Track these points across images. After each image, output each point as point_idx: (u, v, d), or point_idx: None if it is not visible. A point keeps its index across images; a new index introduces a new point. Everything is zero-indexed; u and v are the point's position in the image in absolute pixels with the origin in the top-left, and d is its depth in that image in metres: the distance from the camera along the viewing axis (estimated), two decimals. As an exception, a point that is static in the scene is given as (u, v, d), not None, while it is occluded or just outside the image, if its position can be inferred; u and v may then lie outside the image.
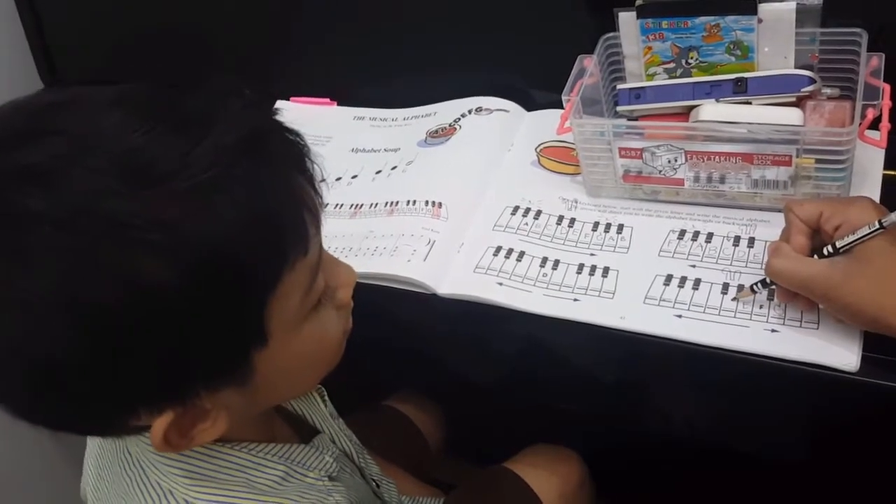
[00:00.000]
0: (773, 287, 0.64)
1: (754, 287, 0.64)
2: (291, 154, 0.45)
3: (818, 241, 0.62)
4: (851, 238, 0.57)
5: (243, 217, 0.41)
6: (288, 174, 0.44)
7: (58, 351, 0.39)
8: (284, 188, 0.44)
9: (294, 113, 0.99)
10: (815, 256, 0.60)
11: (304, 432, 0.61)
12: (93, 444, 0.59)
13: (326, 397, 0.66)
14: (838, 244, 0.58)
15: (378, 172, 0.89)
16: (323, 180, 0.47)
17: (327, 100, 1.01)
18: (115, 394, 0.42)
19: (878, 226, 0.56)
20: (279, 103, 1.02)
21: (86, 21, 1.13)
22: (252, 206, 0.41)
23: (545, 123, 0.86)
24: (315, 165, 0.47)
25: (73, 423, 0.46)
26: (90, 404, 0.43)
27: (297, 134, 0.46)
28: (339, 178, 0.90)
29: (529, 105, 0.91)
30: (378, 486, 0.68)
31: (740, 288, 0.66)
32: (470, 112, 0.91)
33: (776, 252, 0.61)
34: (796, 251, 0.61)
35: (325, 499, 0.54)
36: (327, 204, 0.85)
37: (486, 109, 0.90)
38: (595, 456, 0.90)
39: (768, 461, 0.75)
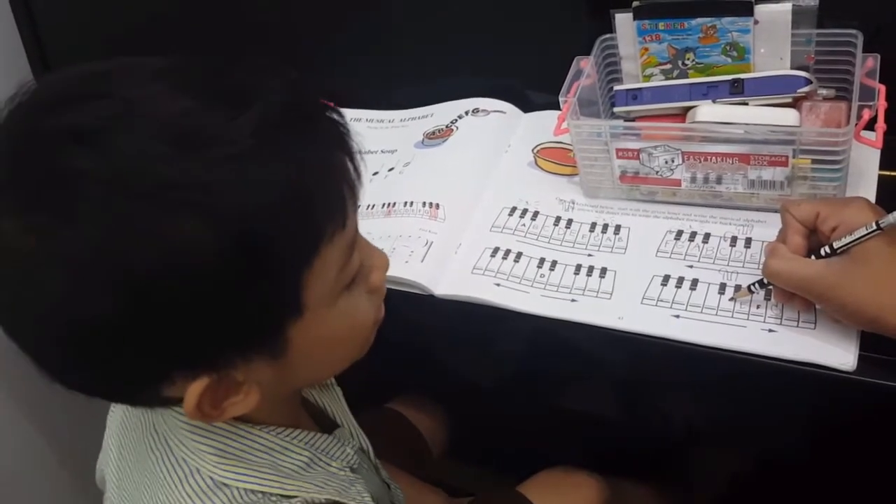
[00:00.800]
0: (770, 287, 0.64)
1: (751, 287, 0.65)
2: (331, 129, 0.46)
3: (815, 241, 0.62)
4: (849, 239, 0.58)
5: (284, 186, 0.41)
6: (328, 148, 0.45)
7: (98, 311, 0.39)
8: (325, 161, 0.44)
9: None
10: (813, 257, 0.60)
11: (325, 425, 0.61)
12: (114, 424, 0.59)
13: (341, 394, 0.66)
14: (835, 245, 0.58)
15: (375, 174, 0.89)
16: (362, 153, 0.48)
17: (324, 101, 1.01)
18: (151, 357, 0.42)
19: (875, 227, 0.56)
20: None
21: (80, 20, 1.13)
22: (292, 176, 0.42)
23: (542, 125, 0.86)
24: (356, 143, 0.47)
25: (107, 387, 0.46)
26: (126, 368, 0.43)
27: (338, 112, 0.47)
28: (336, 180, 0.90)
29: (526, 106, 0.91)
30: (390, 488, 0.68)
31: (737, 288, 0.66)
32: (467, 113, 0.91)
33: (773, 253, 0.62)
34: (793, 252, 0.61)
35: (347, 488, 0.54)
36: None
37: (483, 111, 0.90)
38: (592, 454, 0.90)
39: (766, 461, 0.75)
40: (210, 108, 0.41)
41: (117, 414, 0.59)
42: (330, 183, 0.44)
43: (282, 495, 0.50)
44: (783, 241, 0.62)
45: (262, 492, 0.50)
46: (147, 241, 0.39)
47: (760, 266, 0.64)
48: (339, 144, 0.46)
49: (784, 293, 0.62)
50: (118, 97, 0.40)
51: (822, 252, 0.60)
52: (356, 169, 0.47)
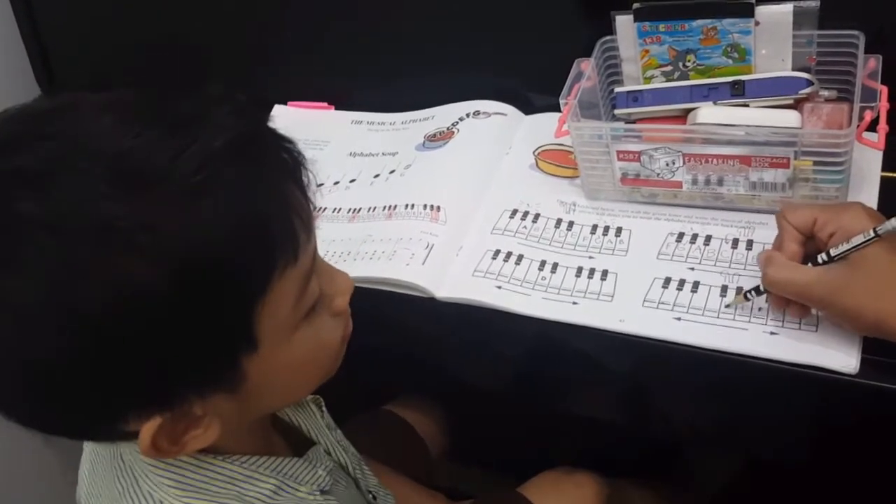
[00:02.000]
0: (766, 293, 0.64)
1: (748, 294, 0.64)
2: (281, 160, 0.45)
3: (811, 246, 0.61)
4: (847, 247, 0.57)
5: (231, 221, 0.41)
6: (277, 180, 0.44)
7: (48, 355, 0.39)
8: (274, 193, 0.43)
9: (292, 117, 1.01)
10: (810, 264, 0.60)
11: (300, 443, 0.60)
12: (87, 450, 0.59)
13: (324, 407, 0.66)
14: (833, 252, 0.58)
15: (376, 176, 0.89)
16: (320, 185, 0.47)
17: (325, 104, 1.01)
18: (103, 398, 0.42)
19: (872, 234, 0.56)
20: (277, 108, 1.02)
21: (83, 27, 1.13)
22: (240, 211, 0.41)
23: (543, 127, 0.86)
24: (308, 172, 0.46)
25: (65, 427, 0.46)
26: (80, 408, 0.43)
27: (289, 141, 0.46)
28: (336, 182, 0.90)
29: (527, 109, 0.91)
30: (375, 497, 0.68)
31: (738, 291, 0.66)
32: (468, 116, 0.91)
33: (770, 262, 0.61)
34: (789, 259, 0.61)
35: None
36: (325, 208, 0.86)
37: (484, 113, 0.90)
38: (593, 456, 0.90)
39: (767, 464, 0.74)
40: (155, 144, 0.40)
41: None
42: (279, 217, 0.43)
43: None
44: (779, 248, 0.62)
45: None
46: (92, 284, 0.38)
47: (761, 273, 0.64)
48: (290, 175, 0.45)
49: (780, 300, 0.62)
50: (60, 137, 0.40)
51: (820, 259, 0.59)
52: (308, 199, 0.46)
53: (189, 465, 0.50)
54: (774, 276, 0.60)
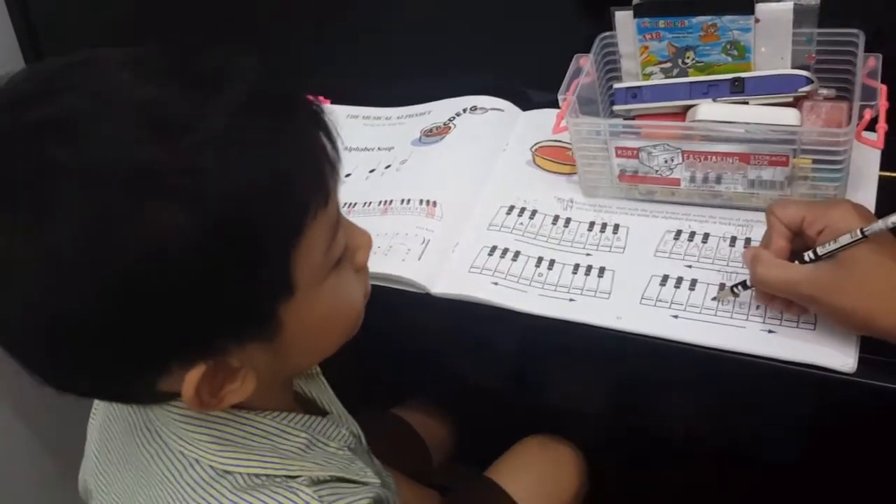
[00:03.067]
0: (752, 288, 0.63)
1: (734, 289, 0.64)
2: (307, 108, 0.46)
3: (799, 243, 0.61)
4: (833, 246, 0.57)
5: (264, 167, 0.41)
6: (305, 126, 0.45)
7: (83, 306, 0.39)
8: (303, 140, 0.44)
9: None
10: (797, 262, 0.60)
11: (315, 412, 0.61)
12: (93, 428, 0.58)
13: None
14: (820, 251, 0.58)
15: (372, 171, 0.88)
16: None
17: (321, 98, 1.00)
18: (144, 348, 0.42)
19: (860, 235, 0.56)
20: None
21: (73, 4, 1.12)
22: (272, 157, 0.42)
23: (540, 123, 0.86)
24: (331, 121, 0.47)
25: (99, 385, 0.46)
26: (120, 363, 0.42)
27: (309, 91, 0.47)
28: (332, 177, 0.89)
29: (524, 104, 0.90)
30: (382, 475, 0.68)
31: (721, 287, 0.66)
32: (465, 111, 0.90)
33: (757, 260, 0.61)
34: (776, 255, 0.61)
35: (349, 465, 0.55)
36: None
37: (481, 108, 0.90)
38: (594, 454, 0.90)
39: (765, 462, 0.74)
40: (182, 93, 0.40)
41: (97, 420, 0.59)
42: (309, 161, 0.44)
43: (286, 476, 0.50)
44: (767, 244, 0.62)
45: (266, 475, 0.50)
46: (128, 231, 0.38)
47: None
48: (316, 122, 0.46)
49: (766, 295, 0.62)
50: (87, 88, 0.40)
51: (807, 257, 0.59)
52: (334, 146, 0.47)
53: (224, 421, 0.50)
54: (763, 274, 0.60)
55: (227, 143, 0.40)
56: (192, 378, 0.43)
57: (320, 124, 0.46)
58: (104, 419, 0.57)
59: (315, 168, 0.44)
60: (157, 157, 0.38)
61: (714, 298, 0.66)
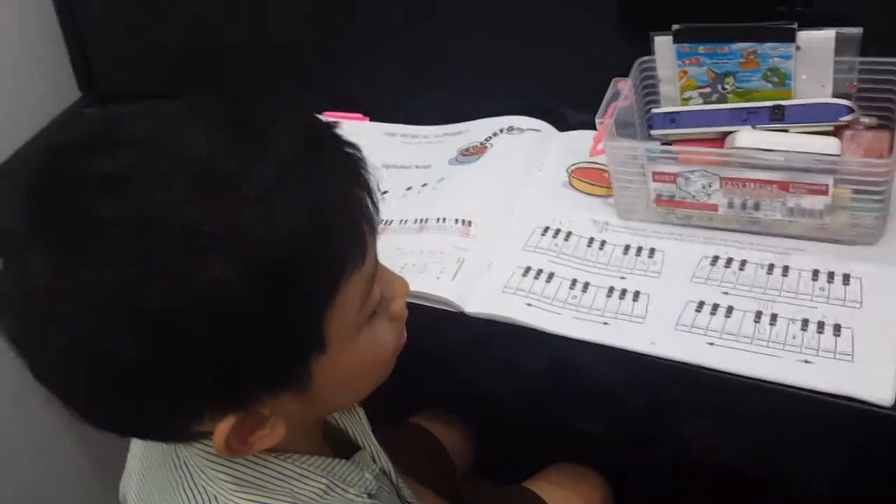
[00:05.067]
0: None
1: None
2: (348, 164, 0.47)
3: None
4: None
5: (305, 225, 0.42)
6: (346, 183, 0.46)
7: (121, 350, 0.40)
8: (343, 197, 0.45)
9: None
10: None
11: (345, 446, 0.61)
12: (137, 445, 0.60)
13: (364, 414, 0.66)
14: None
15: (409, 189, 0.89)
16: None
17: (359, 115, 1.02)
18: (179, 396, 0.43)
19: None
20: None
21: (125, 32, 1.15)
22: (313, 214, 0.42)
23: (577, 144, 0.86)
24: (371, 177, 0.48)
25: (136, 426, 0.47)
26: (153, 408, 0.44)
27: (353, 146, 0.48)
28: (369, 194, 0.90)
29: (561, 125, 0.91)
30: None
31: (773, 318, 0.65)
32: (502, 131, 0.91)
33: None
34: None
35: None
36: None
37: (518, 129, 0.90)
38: (620, 478, 0.90)
39: (798, 494, 0.73)
40: (233, 149, 0.42)
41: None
42: (349, 219, 0.45)
43: None
44: None
45: None
46: (173, 284, 0.40)
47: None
48: (357, 179, 0.47)
49: None
50: (144, 143, 0.42)
51: None
52: (374, 203, 0.47)
53: (245, 462, 0.51)
54: None
55: (271, 201, 0.41)
56: (224, 428, 0.45)
57: (361, 181, 0.47)
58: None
59: (354, 227, 0.45)
60: (203, 215, 0.40)
61: None
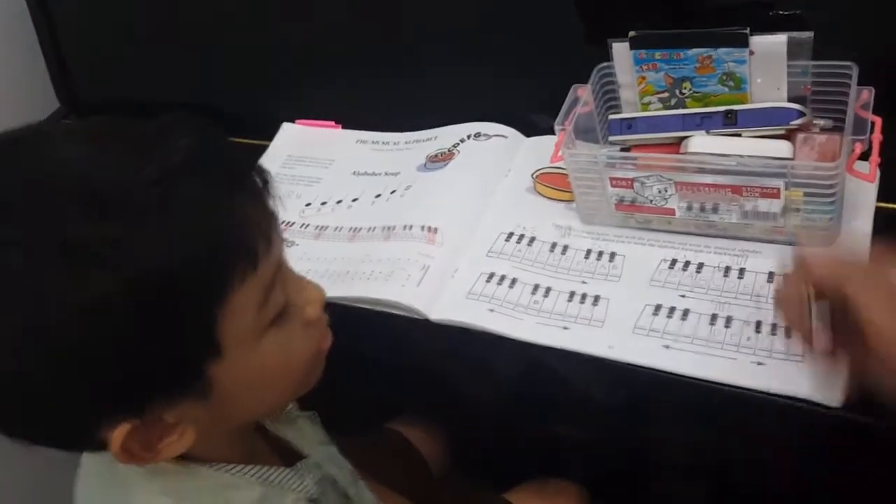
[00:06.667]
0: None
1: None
2: (237, 174, 0.48)
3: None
4: None
5: (186, 234, 0.43)
6: (233, 193, 0.46)
7: (14, 365, 0.42)
8: (228, 206, 0.46)
9: (299, 135, 1.02)
10: None
11: (292, 457, 0.62)
12: (83, 457, 0.60)
13: (318, 423, 0.67)
14: None
15: (378, 196, 0.90)
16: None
17: (331, 122, 1.02)
18: (69, 406, 0.44)
19: None
20: (285, 125, 1.04)
21: (104, 42, 1.16)
22: (195, 224, 0.44)
23: (542, 150, 0.86)
24: (268, 185, 0.49)
25: (46, 435, 0.48)
26: (55, 416, 0.45)
27: (247, 156, 0.49)
28: (339, 201, 0.91)
29: (529, 131, 0.92)
30: None
31: (728, 320, 0.66)
32: (469, 137, 0.92)
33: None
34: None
35: None
36: (327, 227, 0.88)
37: (485, 135, 0.91)
38: (591, 479, 0.91)
39: (751, 492, 0.74)
40: (113, 166, 0.43)
41: None
42: (235, 228, 0.46)
43: None
44: None
45: None
46: (54, 298, 0.41)
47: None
48: (247, 189, 0.48)
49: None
50: (26, 162, 0.44)
51: None
52: (268, 211, 0.49)
53: (177, 473, 0.51)
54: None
55: (151, 212, 0.42)
56: (118, 435, 0.45)
57: (252, 189, 0.48)
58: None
59: (241, 235, 0.46)
60: (79, 230, 0.41)
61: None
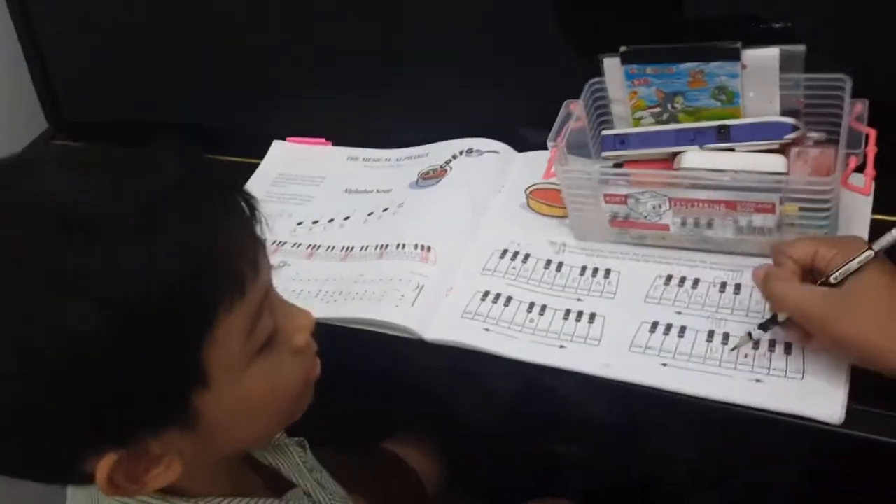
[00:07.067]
0: (771, 330, 0.63)
1: (751, 334, 0.64)
2: (224, 201, 0.47)
3: (809, 279, 0.61)
4: (844, 269, 0.57)
5: (171, 262, 0.42)
6: (219, 220, 0.46)
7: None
8: (214, 234, 0.45)
9: (289, 152, 1.02)
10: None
11: (281, 486, 0.61)
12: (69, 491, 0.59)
13: (307, 448, 0.66)
14: (833, 279, 0.58)
15: (370, 214, 0.89)
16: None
17: (322, 139, 1.02)
18: (55, 439, 0.43)
19: (870, 252, 0.56)
20: (276, 143, 1.03)
21: (92, 62, 1.15)
22: (180, 252, 0.43)
23: (535, 165, 0.86)
24: (255, 211, 0.48)
25: (26, 468, 0.47)
26: (35, 448, 0.44)
27: (233, 182, 0.48)
28: (331, 220, 0.91)
29: (522, 146, 0.91)
30: None
31: (725, 337, 0.66)
32: (461, 153, 0.91)
33: (769, 276, 0.61)
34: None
35: None
36: (319, 246, 0.87)
37: (477, 151, 0.91)
38: (589, 497, 0.90)
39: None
40: (96, 193, 0.42)
41: None
42: (221, 256, 0.45)
43: None
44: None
45: None
46: (33, 328, 0.40)
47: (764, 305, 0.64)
48: (233, 215, 0.47)
49: (803, 334, 0.61)
50: (12, 193, 0.43)
51: (818, 284, 0.59)
52: (254, 237, 0.48)
53: None
54: (779, 289, 0.60)
55: (134, 243, 0.41)
56: (104, 466, 0.44)
57: (238, 215, 0.47)
58: None
59: (228, 263, 0.45)
60: (66, 258, 0.40)
61: (732, 349, 0.65)
